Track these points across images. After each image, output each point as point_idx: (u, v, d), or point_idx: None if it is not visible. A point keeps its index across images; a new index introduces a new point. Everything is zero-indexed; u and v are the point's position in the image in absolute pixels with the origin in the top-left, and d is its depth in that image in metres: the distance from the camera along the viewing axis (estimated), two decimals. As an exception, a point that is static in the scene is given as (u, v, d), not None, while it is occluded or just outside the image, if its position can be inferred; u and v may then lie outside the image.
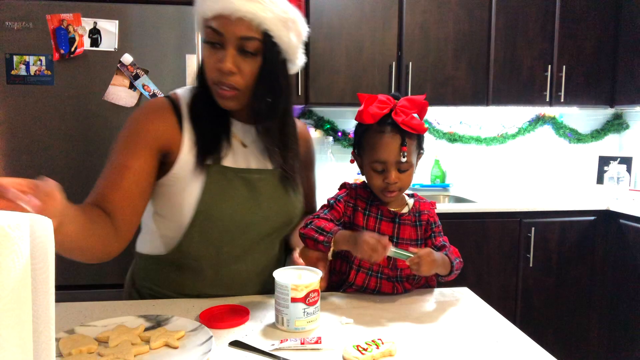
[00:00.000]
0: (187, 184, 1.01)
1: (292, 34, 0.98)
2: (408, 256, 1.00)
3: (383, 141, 1.06)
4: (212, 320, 0.93)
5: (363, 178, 1.14)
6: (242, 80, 0.96)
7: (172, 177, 1.02)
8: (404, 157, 1.04)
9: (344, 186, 1.19)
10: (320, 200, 1.22)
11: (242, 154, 1.07)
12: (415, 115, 1.07)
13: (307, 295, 0.91)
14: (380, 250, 0.96)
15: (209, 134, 1.02)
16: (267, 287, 1.12)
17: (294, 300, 0.90)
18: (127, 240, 0.97)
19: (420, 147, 1.12)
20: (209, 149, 1.02)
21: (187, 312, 0.99)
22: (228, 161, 1.05)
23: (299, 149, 1.16)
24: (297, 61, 1.06)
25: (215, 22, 0.93)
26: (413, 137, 1.07)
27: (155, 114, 1.01)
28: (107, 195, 0.94)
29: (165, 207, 1.05)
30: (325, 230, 1.05)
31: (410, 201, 1.17)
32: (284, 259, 1.21)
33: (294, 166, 1.13)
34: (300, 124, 1.22)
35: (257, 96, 0.99)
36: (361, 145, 1.12)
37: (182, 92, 1.07)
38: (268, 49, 0.96)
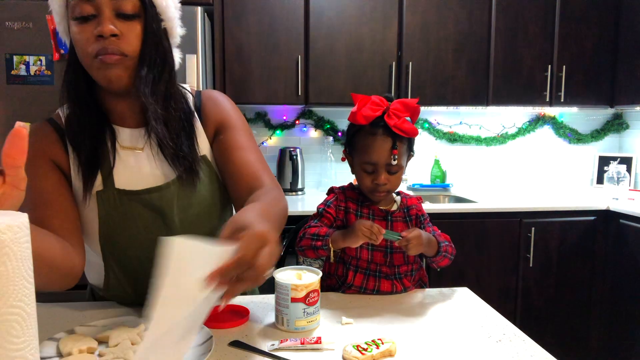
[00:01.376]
0: (84, 212, 0.92)
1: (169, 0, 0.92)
2: (399, 237, 1.04)
3: (374, 143, 1.08)
4: (212, 320, 0.93)
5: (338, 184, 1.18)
6: (127, 45, 0.85)
7: (76, 201, 0.92)
8: (394, 159, 1.07)
9: (331, 191, 1.20)
10: (316, 204, 1.22)
11: (136, 165, 0.94)
12: (408, 118, 1.09)
13: (307, 295, 0.91)
14: (376, 231, 1.00)
15: (90, 153, 0.90)
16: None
17: (294, 300, 0.90)
18: (84, 252, 0.92)
19: (410, 150, 1.15)
20: (92, 171, 0.91)
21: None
22: (121, 180, 0.93)
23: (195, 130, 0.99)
24: (175, 39, 0.96)
25: None
26: (404, 140, 1.10)
27: (36, 136, 0.91)
28: (39, 217, 0.85)
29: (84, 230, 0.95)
30: (320, 235, 1.08)
31: (398, 198, 1.20)
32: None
33: (197, 158, 0.96)
34: (189, 88, 1.06)
35: (144, 63, 0.88)
36: (353, 145, 1.14)
37: (63, 111, 0.96)
38: (147, 9, 0.87)
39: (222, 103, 1.04)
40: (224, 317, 0.95)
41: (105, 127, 0.93)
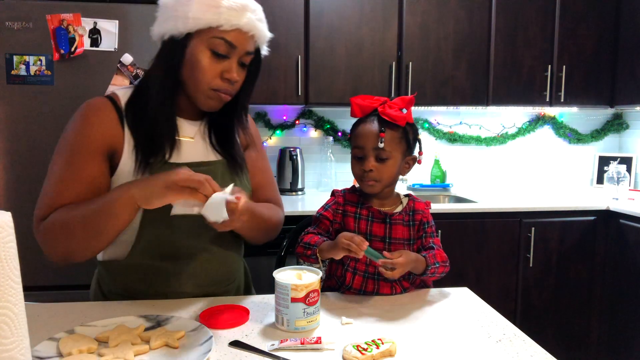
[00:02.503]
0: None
1: (266, 47, 1.11)
2: (379, 257, 1.02)
3: (364, 128, 1.10)
4: (212, 320, 0.93)
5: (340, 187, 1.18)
6: (237, 87, 1.05)
7: (118, 178, 1.01)
8: (381, 142, 1.07)
9: (333, 194, 1.21)
10: (316, 204, 1.22)
11: (187, 149, 1.08)
12: (404, 110, 1.09)
13: (307, 295, 0.91)
14: (358, 242, 1.00)
15: (152, 135, 1.02)
16: (234, 274, 1.17)
17: (294, 300, 0.90)
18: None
19: (408, 144, 1.12)
20: (153, 150, 1.02)
21: (187, 312, 0.99)
22: (173, 158, 1.05)
23: (246, 139, 1.20)
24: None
25: (231, 36, 0.98)
26: (396, 129, 1.09)
27: (97, 115, 1.01)
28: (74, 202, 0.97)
29: None
30: (310, 244, 1.10)
31: (405, 200, 1.18)
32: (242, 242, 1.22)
33: (241, 154, 1.16)
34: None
35: (234, 98, 1.08)
36: (350, 138, 1.16)
37: (122, 93, 1.07)
38: (257, 62, 1.08)
39: (251, 124, 1.24)
40: (224, 317, 0.95)
41: (171, 116, 1.05)
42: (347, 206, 1.16)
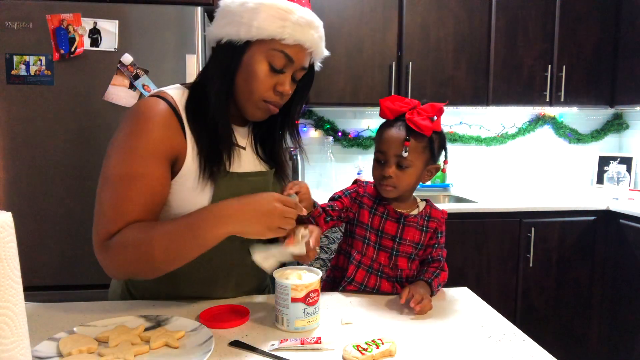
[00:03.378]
0: (194, 190, 0.98)
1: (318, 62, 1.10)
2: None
3: (389, 133, 1.08)
4: (212, 320, 0.93)
5: (364, 178, 1.16)
6: (286, 100, 1.04)
7: (178, 184, 0.98)
8: (405, 151, 1.05)
9: (355, 182, 1.20)
10: (319, 200, 1.22)
11: (242, 157, 1.06)
12: (434, 118, 1.06)
13: (307, 295, 0.91)
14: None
15: (215, 142, 0.99)
16: (263, 284, 1.19)
17: (294, 300, 0.90)
18: None
19: (432, 154, 1.10)
20: (215, 157, 0.99)
21: (187, 312, 0.99)
22: (233, 166, 1.03)
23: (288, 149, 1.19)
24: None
25: (292, 50, 0.96)
26: (421, 139, 1.07)
27: (163, 121, 0.96)
28: (132, 215, 0.91)
29: (170, 215, 1.00)
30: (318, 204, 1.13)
31: (422, 204, 1.17)
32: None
33: (285, 168, 1.15)
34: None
35: (282, 110, 1.07)
36: (375, 139, 1.14)
37: (175, 94, 1.01)
38: (310, 78, 1.07)
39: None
40: (224, 317, 0.95)
41: (229, 124, 1.03)
42: (364, 198, 1.15)
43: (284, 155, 1.15)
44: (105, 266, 0.92)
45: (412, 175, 1.09)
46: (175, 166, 0.98)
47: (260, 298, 1.09)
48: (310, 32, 0.97)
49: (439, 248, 1.16)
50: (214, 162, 0.98)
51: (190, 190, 0.97)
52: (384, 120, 1.12)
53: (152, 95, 1.00)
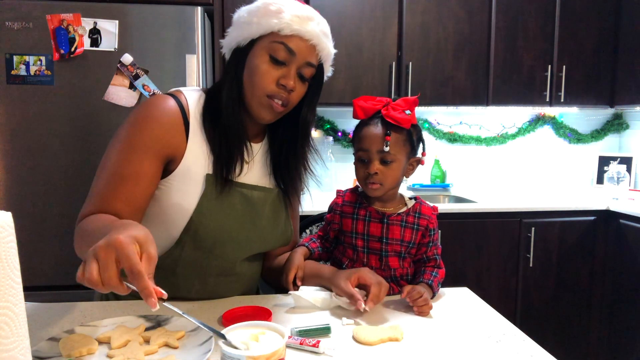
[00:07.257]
0: (185, 191, 0.99)
1: (331, 68, 1.11)
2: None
3: (368, 130, 1.09)
4: (235, 321, 0.91)
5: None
6: (292, 100, 1.01)
7: (169, 183, 0.99)
8: (386, 146, 1.05)
9: (337, 194, 1.21)
10: (316, 204, 1.23)
11: (245, 168, 1.06)
12: (408, 112, 1.08)
13: None
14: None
15: (229, 151, 1.01)
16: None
17: None
18: None
19: (412, 146, 1.11)
20: (229, 165, 1.01)
21: (189, 311, 0.99)
22: (236, 175, 1.04)
23: (305, 172, 1.16)
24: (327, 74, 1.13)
25: (291, 42, 0.97)
26: (400, 132, 1.08)
27: (167, 120, 0.97)
28: (114, 204, 0.92)
29: (156, 211, 1.01)
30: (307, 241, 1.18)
31: (410, 202, 1.16)
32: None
33: (297, 187, 1.15)
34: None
35: (292, 115, 1.06)
36: (354, 140, 1.14)
37: (190, 96, 1.03)
38: (318, 78, 1.06)
39: None
40: (247, 318, 0.91)
41: (241, 132, 1.04)
42: (344, 207, 1.15)
43: (295, 178, 1.13)
44: None
45: (397, 169, 1.09)
46: (170, 165, 0.99)
47: (279, 299, 1.09)
48: (308, 23, 0.98)
49: (433, 246, 1.15)
50: (228, 169, 1.00)
51: (181, 186, 0.99)
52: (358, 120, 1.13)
53: (167, 93, 1.03)
